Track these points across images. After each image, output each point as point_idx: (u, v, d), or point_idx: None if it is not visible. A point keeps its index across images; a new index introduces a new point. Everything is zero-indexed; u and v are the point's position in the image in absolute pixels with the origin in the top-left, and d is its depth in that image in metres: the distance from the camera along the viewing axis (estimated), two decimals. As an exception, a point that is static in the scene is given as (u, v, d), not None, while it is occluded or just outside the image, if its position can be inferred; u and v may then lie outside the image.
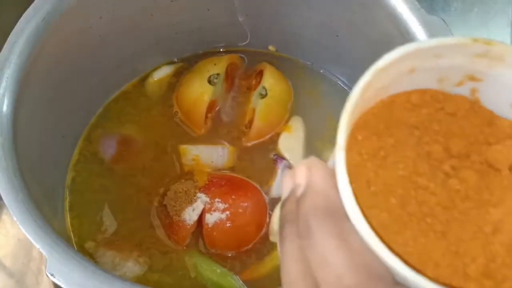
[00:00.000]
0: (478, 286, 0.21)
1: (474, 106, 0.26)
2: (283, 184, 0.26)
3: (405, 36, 0.43)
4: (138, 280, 0.47)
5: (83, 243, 0.48)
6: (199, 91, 0.53)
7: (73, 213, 0.50)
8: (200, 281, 0.47)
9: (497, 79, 0.25)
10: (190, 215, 0.48)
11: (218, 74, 0.54)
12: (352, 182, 0.22)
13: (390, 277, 0.21)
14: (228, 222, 0.48)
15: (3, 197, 0.38)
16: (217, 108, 0.55)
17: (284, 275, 0.23)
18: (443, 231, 0.22)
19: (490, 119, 0.25)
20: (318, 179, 0.23)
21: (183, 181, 0.49)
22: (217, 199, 0.48)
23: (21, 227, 0.37)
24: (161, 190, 0.50)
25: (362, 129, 0.24)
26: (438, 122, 0.25)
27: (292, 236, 0.23)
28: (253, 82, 0.56)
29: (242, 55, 0.58)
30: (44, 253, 0.36)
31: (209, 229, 0.48)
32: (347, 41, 0.52)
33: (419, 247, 0.22)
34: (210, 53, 0.58)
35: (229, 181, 0.50)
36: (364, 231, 0.21)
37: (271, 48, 0.58)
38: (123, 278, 0.36)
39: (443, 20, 0.42)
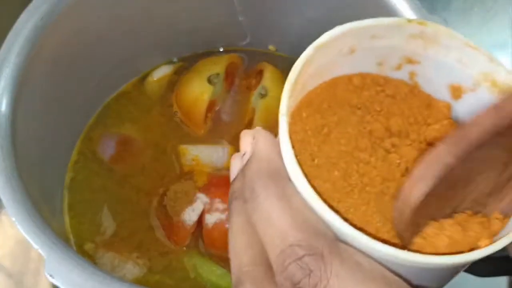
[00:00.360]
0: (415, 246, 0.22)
1: (413, 90, 0.27)
2: (232, 165, 0.27)
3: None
4: (137, 281, 0.47)
5: (82, 244, 0.48)
6: (199, 91, 0.53)
7: (72, 213, 0.50)
8: (199, 282, 0.47)
9: (433, 60, 0.26)
10: (190, 215, 0.48)
11: (218, 74, 0.54)
12: (296, 155, 0.23)
13: (332, 234, 0.22)
14: (228, 223, 0.48)
15: (1, 198, 0.38)
16: (217, 108, 0.54)
17: (231, 248, 0.24)
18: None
19: (429, 101, 0.26)
20: (263, 146, 0.24)
21: (182, 181, 0.49)
22: (217, 200, 0.48)
23: (19, 228, 0.37)
24: (161, 190, 0.50)
25: (307, 107, 0.25)
26: (379, 103, 0.26)
27: (238, 210, 0.24)
28: (253, 82, 0.55)
29: (242, 55, 0.58)
30: (42, 253, 0.36)
31: (209, 230, 0.48)
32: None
33: (360, 214, 0.23)
34: (210, 53, 0.58)
35: (229, 181, 0.50)
36: (305, 189, 0.22)
37: (271, 48, 0.58)
38: (122, 279, 0.36)
39: (444, 20, 0.42)
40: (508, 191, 0.23)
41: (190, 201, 0.48)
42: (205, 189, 0.49)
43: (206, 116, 0.53)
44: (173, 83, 0.56)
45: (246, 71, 0.57)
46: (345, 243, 0.22)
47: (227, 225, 0.48)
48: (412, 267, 0.21)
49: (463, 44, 0.25)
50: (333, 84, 0.26)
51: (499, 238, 0.22)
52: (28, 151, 0.43)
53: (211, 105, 0.53)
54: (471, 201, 0.23)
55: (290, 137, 0.23)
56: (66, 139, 0.52)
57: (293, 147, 0.23)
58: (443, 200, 0.22)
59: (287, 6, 0.52)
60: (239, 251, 0.23)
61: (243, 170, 0.24)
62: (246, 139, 0.25)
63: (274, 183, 0.22)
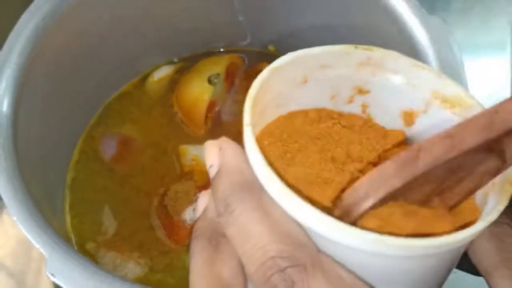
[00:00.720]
0: None
1: (367, 123, 0.27)
2: (199, 202, 0.26)
3: (405, 36, 0.43)
4: (139, 280, 0.47)
5: (83, 243, 0.48)
6: (199, 91, 0.53)
7: (73, 213, 0.50)
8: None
9: (382, 87, 0.26)
10: (191, 215, 0.48)
11: (218, 74, 0.54)
12: None
13: (314, 246, 0.21)
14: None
15: (3, 197, 0.38)
16: (217, 108, 0.55)
17: None
18: None
19: (384, 132, 0.27)
20: (232, 157, 0.23)
21: (183, 181, 0.49)
22: (217, 199, 0.48)
23: (21, 227, 0.37)
24: (161, 190, 0.50)
25: (268, 136, 0.25)
26: (337, 133, 0.26)
27: (199, 250, 0.23)
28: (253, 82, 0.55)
29: (242, 55, 0.58)
30: (44, 253, 0.36)
31: (209, 229, 0.48)
32: (347, 41, 0.51)
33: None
34: (210, 53, 0.58)
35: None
36: (279, 190, 0.21)
37: (271, 48, 0.58)
38: (123, 278, 0.36)
39: (444, 20, 0.42)
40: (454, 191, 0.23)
41: (191, 201, 0.48)
42: (205, 189, 0.49)
43: (206, 116, 0.53)
44: (173, 84, 0.56)
45: (246, 71, 0.57)
46: (327, 255, 0.21)
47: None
48: (395, 257, 0.21)
49: (410, 65, 0.25)
50: (291, 117, 0.26)
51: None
52: (30, 151, 0.43)
53: (211, 105, 0.54)
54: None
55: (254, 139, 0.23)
56: (67, 139, 0.52)
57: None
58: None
59: (287, 6, 0.52)
60: None
61: (211, 183, 0.23)
62: (212, 150, 0.24)
63: (249, 195, 0.22)
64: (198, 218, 0.25)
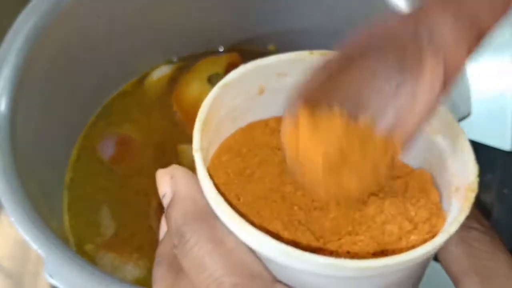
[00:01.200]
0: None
1: None
2: (161, 226, 0.25)
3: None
4: (138, 282, 0.47)
5: (81, 244, 0.48)
6: (199, 91, 0.53)
7: (71, 213, 0.50)
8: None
9: None
10: (190, 215, 0.48)
11: (217, 74, 0.54)
12: (223, 196, 0.22)
13: (269, 275, 0.21)
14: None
15: (0, 198, 0.38)
16: (217, 108, 0.54)
17: None
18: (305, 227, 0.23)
19: None
20: (183, 185, 0.23)
21: (182, 181, 0.49)
22: (216, 200, 0.48)
23: (18, 228, 0.37)
24: (160, 191, 0.50)
25: (226, 152, 0.25)
26: None
27: (161, 277, 0.23)
28: (253, 82, 0.55)
29: (242, 55, 0.58)
30: (41, 254, 0.36)
31: (208, 230, 0.48)
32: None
33: (285, 238, 0.22)
34: (209, 53, 0.57)
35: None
36: (227, 217, 0.21)
37: (271, 47, 0.58)
38: (122, 280, 0.36)
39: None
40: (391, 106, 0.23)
41: (190, 201, 0.48)
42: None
43: (206, 116, 0.53)
44: (173, 83, 0.56)
45: (246, 71, 0.57)
46: (282, 285, 0.21)
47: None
48: (355, 278, 0.21)
49: None
50: (250, 129, 0.26)
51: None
52: (28, 151, 0.42)
53: (211, 105, 0.53)
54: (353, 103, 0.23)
55: (213, 181, 0.22)
56: (65, 139, 0.52)
57: (217, 189, 0.22)
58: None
59: (287, 6, 0.52)
60: None
61: (166, 214, 0.23)
62: (163, 179, 0.24)
63: (202, 224, 0.21)
64: (160, 243, 0.24)
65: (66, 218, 0.49)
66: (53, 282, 0.35)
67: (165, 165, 0.52)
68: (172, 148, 0.52)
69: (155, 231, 0.49)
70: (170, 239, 0.23)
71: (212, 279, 0.20)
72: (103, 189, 0.51)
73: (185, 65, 0.57)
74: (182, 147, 0.52)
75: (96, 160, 0.52)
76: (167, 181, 0.24)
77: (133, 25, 0.51)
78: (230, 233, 0.21)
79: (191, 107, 0.53)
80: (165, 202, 0.23)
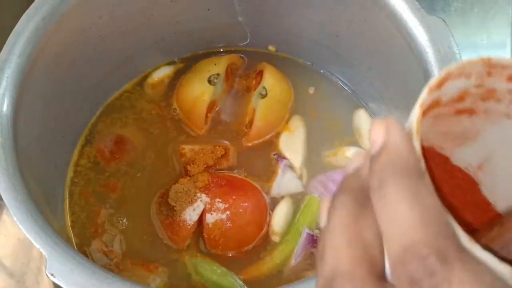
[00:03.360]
0: None
1: None
2: (354, 160, 0.26)
3: (405, 36, 0.43)
4: (139, 280, 0.47)
5: (82, 243, 0.48)
6: (199, 91, 0.53)
7: (73, 213, 0.50)
8: (200, 281, 0.47)
9: None
10: (191, 215, 0.48)
11: (218, 74, 0.54)
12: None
13: (459, 240, 0.21)
14: (228, 222, 0.48)
15: (3, 197, 0.38)
16: (217, 108, 0.55)
17: (326, 244, 0.23)
18: None
19: None
20: (397, 138, 0.23)
21: (183, 181, 0.49)
22: (217, 199, 0.48)
23: (21, 227, 0.37)
24: (162, 190, 0.50)
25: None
26: None
27: (347, 206, 0.23)
28: (253, 82, 0.56)
29: (242, 55, 0.58)
30: (44, 253, 0.36)
31: (209, 229, 0.48)
32: (347, 41, 0.52)
33: None
34: (210, 53, 0.58)
35: (229, 181, 0.50)
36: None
37: (271, 48, 0.58)
38: (123, 278, 0.36)
39: (443, 20, 0.42)
40: None
41: (191, 201, 0.48)
42: (205, 189, 0.49)
43: (206, 116, 0.53)
44: (173, 84, 0.56)
45: (246, 71, 0.57)
46: (471, 255, 0.21)
47: (228, 224, 0.48)
48: None
49: None
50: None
51: None
52: (30, 151, 0.43)
53: (211, 105, 0.54)
54: None
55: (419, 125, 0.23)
56: (67, 139, 0.52)
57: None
58: None
59: (287, 6, 0.52)
60: (338, 248, 0.22)
61: (372, 161, 0.23)
62: (378, 128, 0.24)
63: (407, 179, 0.22)
64: (349, 174, 0.25)
65: (68, 217, 0.50)
66: (55, 280, 0.35)
67: (165, 164, 0.52)
68: (173, 148, 0.53)
69: (156, 226, 0.49)
70: (357, 178, 0.24)
71: (403, 230, 0.21)
72: (104, 188, 0.51)
73: (186, 65, 0.57)
74: (183, 147, 0.52)
75: (98, 160, 0.52)
76: (382, 131, 0.24)
77: (134, 26, 0.51)
78: (431, 195, 0.21)
79: (192, 107, 0.53)
80: (374, 149, 0.24)
